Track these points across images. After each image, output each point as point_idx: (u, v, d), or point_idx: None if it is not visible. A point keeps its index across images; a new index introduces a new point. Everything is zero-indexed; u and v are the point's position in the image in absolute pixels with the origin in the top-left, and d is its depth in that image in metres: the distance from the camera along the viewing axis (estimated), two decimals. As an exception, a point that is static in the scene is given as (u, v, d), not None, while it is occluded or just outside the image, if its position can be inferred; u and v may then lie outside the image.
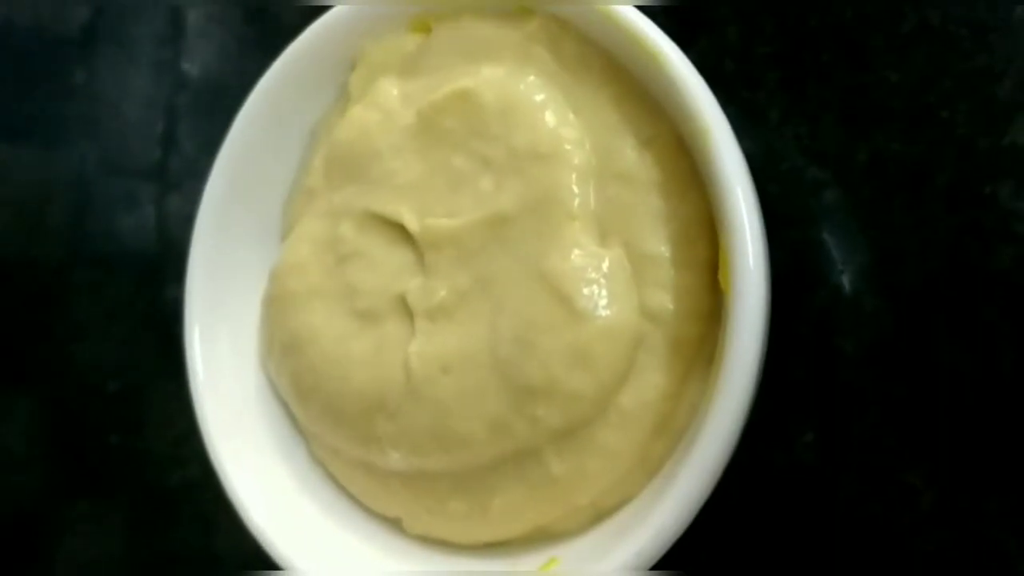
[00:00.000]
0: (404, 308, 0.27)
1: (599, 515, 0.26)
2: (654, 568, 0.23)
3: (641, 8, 0.25)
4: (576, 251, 0.24)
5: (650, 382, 0.24)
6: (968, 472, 0.26)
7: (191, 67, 0.42)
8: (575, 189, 0.25)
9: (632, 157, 0.25)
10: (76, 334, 0.41)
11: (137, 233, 0.41)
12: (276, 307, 0.30)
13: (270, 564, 0.27)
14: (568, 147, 0.25)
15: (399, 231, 0.27)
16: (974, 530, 0.26)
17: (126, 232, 0.42)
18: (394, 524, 0.28)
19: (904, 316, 0.27)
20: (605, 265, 0.24)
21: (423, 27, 0.29)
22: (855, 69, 0.28)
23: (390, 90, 0.29)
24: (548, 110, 0.26)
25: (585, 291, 0.24)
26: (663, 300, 0.24)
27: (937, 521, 0.26)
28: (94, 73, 0.44)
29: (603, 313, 0.24)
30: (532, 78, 0.26)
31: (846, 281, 0.28)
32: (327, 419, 0.28)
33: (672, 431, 0.25)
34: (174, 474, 0.39)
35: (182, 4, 0.43)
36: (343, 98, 0.31)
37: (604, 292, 0.24)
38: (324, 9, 0.30)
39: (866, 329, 0.28)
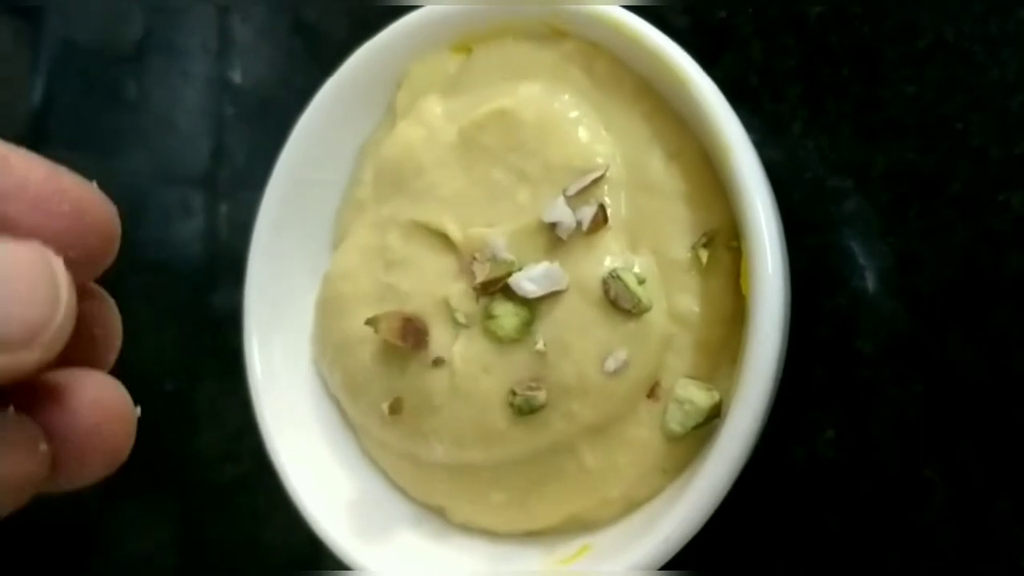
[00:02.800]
0: (448, 311, 0.28)
1: (630, 506, 0.27)
2: (683, 554, 0.23)
3: (669, 26, 0.26)
4: (608, 257, 0.25)
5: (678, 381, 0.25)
6: (981, 469, 0.26)
7: (240, 79, 0.42)
8: (607, 200, 0.26)
9: (660, 169, 0.26)
10: (133, 336, 0.41)
11: (189, 239, 0.42)
12: (329, 310, 0.31)
13: (320, 554, 0.28)
14: (600, 160, 0.26)
15: (443, 240, 0.28)
16: (987, 525, 0.26)
17: (179, 238, 0.42)
18: (439, 513, 0.29)
19: (921, 318, 0.27)
20: (635, 270, 0.25)
21: (464, 48, 0.30)
22: (873, 83, 0.29)
23: (434, 108, 0.29)
24: (581, 126, 0.27)
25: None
26: (690, 304, 0.25)
27: (951, 516, 0.27)
28: (147, 86, 0.44)
29: (633, 316, 0.25)
30: (567, 96, 0.27)
31: (868, 284, 0.28)
32: (376, 414, 0.29)
33: (698, 427, 0.25)
34: (227, 470, 0.39)
35: (231, 19, 0.43)
36: (390, 116, 0.31)
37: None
38: (370, 25, 0.30)
39: (884, 331, 0.28)
